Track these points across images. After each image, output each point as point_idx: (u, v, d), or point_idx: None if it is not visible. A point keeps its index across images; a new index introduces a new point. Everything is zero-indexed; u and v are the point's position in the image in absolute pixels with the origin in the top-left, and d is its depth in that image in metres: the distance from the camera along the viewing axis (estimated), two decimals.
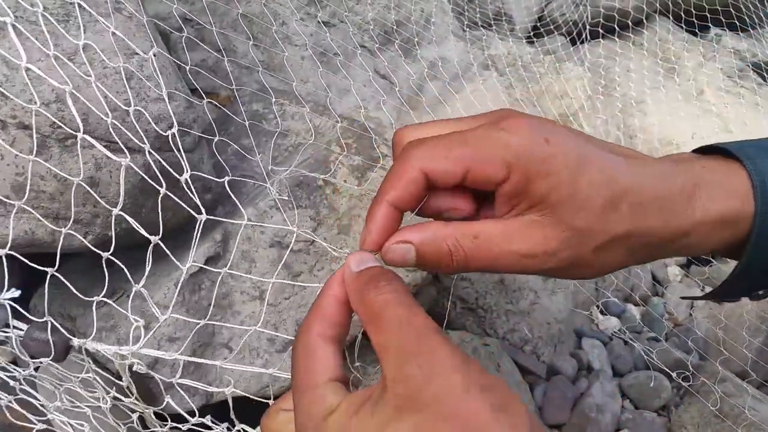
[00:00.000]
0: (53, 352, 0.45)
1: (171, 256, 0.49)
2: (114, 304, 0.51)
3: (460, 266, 0.32)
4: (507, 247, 0.32)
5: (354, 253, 0.32)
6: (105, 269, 0.48)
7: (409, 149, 0.33)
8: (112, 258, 0.47)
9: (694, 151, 0.38)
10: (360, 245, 0.33)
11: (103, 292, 0.47)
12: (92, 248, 0.49)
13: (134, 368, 0.50)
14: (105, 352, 0.48)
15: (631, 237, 0.32)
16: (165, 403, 0.55)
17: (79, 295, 0.47)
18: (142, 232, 0.45)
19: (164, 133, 0.55)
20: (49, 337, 0.45)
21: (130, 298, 0.50)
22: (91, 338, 0.48)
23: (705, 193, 0.34)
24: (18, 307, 0.45)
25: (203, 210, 0.47)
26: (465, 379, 0.23)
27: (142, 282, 0.47)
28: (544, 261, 0.32)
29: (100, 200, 0.52)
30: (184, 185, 0.47)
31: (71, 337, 0.47)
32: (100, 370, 0.54)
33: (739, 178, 0.34)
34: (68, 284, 0.47)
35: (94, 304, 0.47)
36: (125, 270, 0.47)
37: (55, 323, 0.45)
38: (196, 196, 0.47)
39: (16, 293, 0.45)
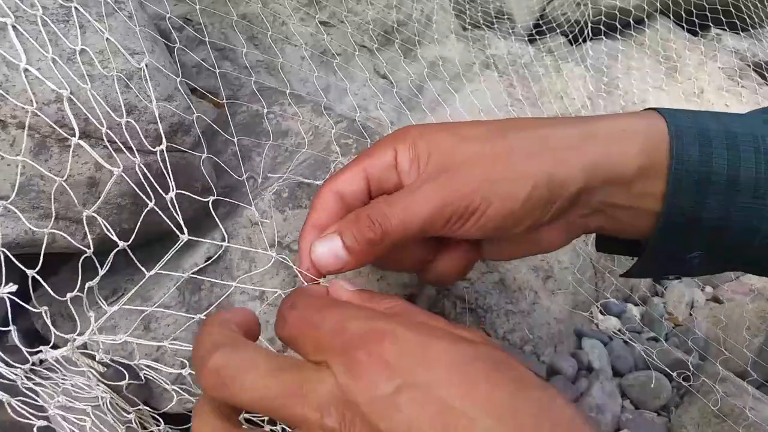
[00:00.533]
0: (29, 360, 0.46)
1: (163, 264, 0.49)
2: (102, 303, 0.51)
3: (387, 234, 0.32)
4: (419, 197, 0.32)
5: (337, 284, 0.33)
6: (79, 269, 0.48)
7: (322, 185, 0.37)
8: (94, 259, 0.47)
9: None
10: (300, 269, 0.34)
11: (75, 289, 0.47)
12: (81, 247, 0.49)
13: (100, 358, 0.50)
14: (65, 354, 0.48)
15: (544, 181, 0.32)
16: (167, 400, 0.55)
17: (55, 296, 0.47)
18: (114, 237, 0.45)
19: (164, 133, 0.55)
20: (18, 344, 0.45)
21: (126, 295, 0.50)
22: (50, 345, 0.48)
23: (609, 118, 0.34)
24: (18, 300, 0.46)
25: (185, 230, 0.47)
26: (346, 335, 0.26)
27: (156, 269, 0.47)
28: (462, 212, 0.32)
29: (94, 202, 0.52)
30: (169, 204, 0.47)
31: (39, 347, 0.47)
32: (96, 367, 0.54)
33: (652, 114, 0.34)
34: (46, 286, 0.47)
35: (84, 300, 0.48)
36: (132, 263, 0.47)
37: (15, 335, 0.45)
38: (180, 216, 0.47)
39: (13, 287, 0.46)
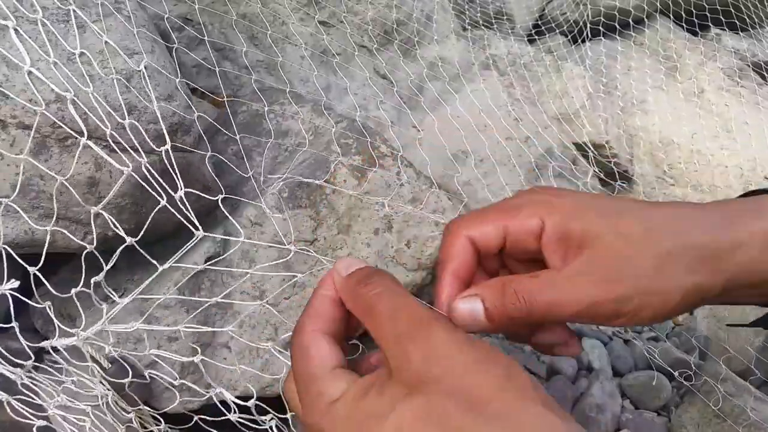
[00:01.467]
0: (32, 356, 0.46)
1: (155, 262, 0.49)
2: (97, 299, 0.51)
3: (530, 315, 0.33)
4: (570, 288, 0.32)
5: (341, 260, 0.33)
6: (83, 265, 0.47)
7: (454, 223, 0.36)
8: (97, 255, 0.47)
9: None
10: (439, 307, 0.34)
11: (81, 286, 0.47)
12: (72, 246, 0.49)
13: (107, 353, 0.50)
14: (74, 343, 0.48)
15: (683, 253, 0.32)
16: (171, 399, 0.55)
17: (54, 292, 0.47)
18: (122, 233, 0.45)
19: (164, 133, 0.55)
20: (22, 340, 0.45)
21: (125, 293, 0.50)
22: (57, 336, 0.48)
23: (749, 214, 0.34)
24: (21, 296, 0.46)
25: (200, 227, 0.47)
26: (465, 357, 0.25)
27: (169, 263, 0.47)
28: (612, 308, 0.32)
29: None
30: (179, 202, 0.46)
31: (44, 338, 0.47)
32: (97, 367, 0.54)
33: None
34: (47, 285, 0.47)
35: (76, 297, 0.47)
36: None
37: (17, 331, 0.45)
38: (192, 213, 0.47)
39: (15, 284, 0.46)
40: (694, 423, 0.95)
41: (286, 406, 0.32)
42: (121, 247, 0.46)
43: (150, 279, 0.48)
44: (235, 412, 0.52)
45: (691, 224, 0.33)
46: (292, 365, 0.30)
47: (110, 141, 0.51)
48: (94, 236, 0.51)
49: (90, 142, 0.45)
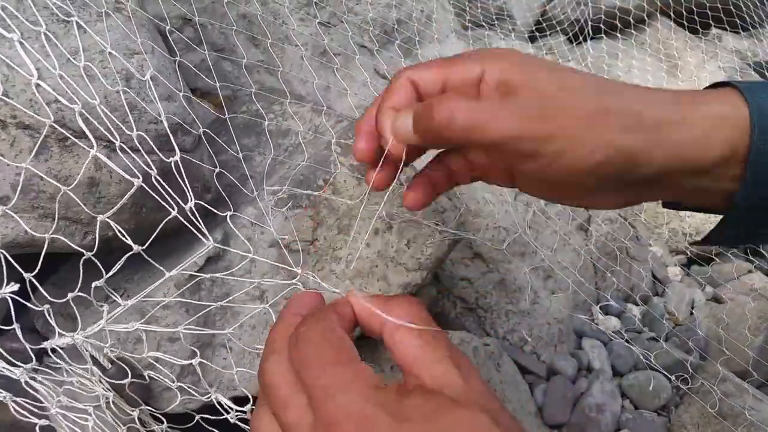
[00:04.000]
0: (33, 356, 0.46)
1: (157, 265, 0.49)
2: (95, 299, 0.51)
3: (448, 126, 0.33)
4: (494, 115, 0.33)
5: (353, 290, 0.34)
6: (80, 270, 0.48)
7: (400, 70, 0.39)
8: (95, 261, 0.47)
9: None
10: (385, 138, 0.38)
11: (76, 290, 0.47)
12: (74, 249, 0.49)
13: (106, 354, 0.50)
14: (74, 341, 0.48)
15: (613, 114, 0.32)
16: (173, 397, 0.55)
17: (49, 297, 0.47)
18: (128, 241, 0.45)
19: (164, 133, 0.55)
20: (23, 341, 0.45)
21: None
22: (57, 336, 0.48)
23: (703, 98, 0.34)
24: (20, 299, 0.46)
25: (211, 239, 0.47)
26: (485, 387, 0.28)
27: (175, 271, 0.47)
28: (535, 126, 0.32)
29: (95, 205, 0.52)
30: (189, 213, 0.47)
31: (44, 339, 0.47)
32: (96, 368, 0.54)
33: (736, 99, 0.33)
34: (42, 290, 0.47)
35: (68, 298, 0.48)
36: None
37: (19, 333, 0.45)
38: (202, 225, 0.47)
39: (15, 287, 0.46)
40: (694, 423, 0.95)
41: (261, 389, 0.30)
42: (127, 255, 0.46)
43: (155, 284, 0.48)
44: (235, 412, 0.53)
45: (639, 94, 0.33)
46: (314, 355, 0.28)
47: (115, 144, 0.51)
48: (97, 237, 0.51)
49: (99, 154, 0.45)
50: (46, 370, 0.52)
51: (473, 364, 0.30)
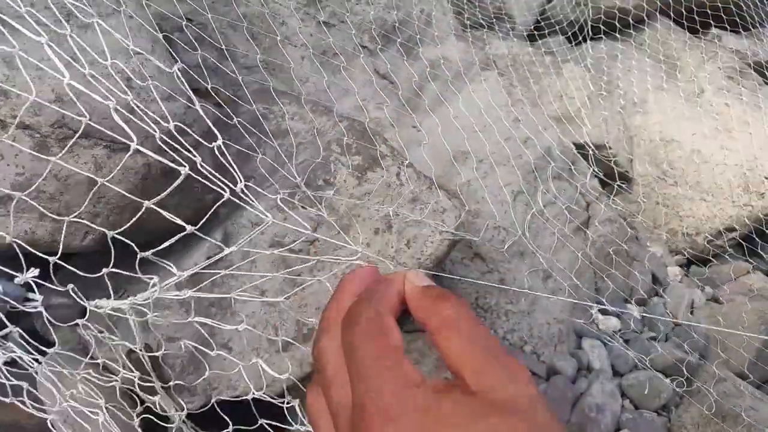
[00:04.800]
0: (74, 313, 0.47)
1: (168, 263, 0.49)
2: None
3: None
4: None
5: (412, 270, 0.33)
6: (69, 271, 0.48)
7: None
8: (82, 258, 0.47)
9: None
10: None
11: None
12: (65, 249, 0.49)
13: (149, 320, 0.51)
14: (121, 306, 0.48)
15: None
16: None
17: (60, 285, 0.47)
18: (180, 222, 0.45)
19: (165, 132, 0.55)
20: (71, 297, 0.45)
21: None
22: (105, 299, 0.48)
23: None
24: (41, 281, 0.47)
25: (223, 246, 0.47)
26: (533, 391, 0.26)
27: (187, 273, 0.47)
28: None
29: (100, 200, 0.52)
30: (240, 193, 0.46)
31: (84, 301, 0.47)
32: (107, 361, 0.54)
33: None
34: (69, 266, 0.47)
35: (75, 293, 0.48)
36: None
37: (73, 289, 0.46)
38: (255, 202, 0.47)
39: (35, 272, 0.47)
40: (694, 423, 0.95)
41: (313, 363, 0.30)
42: (181, 235, 0.46)
43: (175, 278, 0.48)
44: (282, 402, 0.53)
45: None
46: (353, 332, 0.29)
47: (107, 139, 0.50)
48: (95, 236, 0.51)
49: (141, 148, 0.46)
50: (71, 353, 0.52)
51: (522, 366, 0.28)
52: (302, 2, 1.08)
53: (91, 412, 0.49)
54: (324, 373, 0.28)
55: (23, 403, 0.48)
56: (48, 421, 0.49)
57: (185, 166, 0.47)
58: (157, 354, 0.52)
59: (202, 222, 0.47)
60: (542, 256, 1.04)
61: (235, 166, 0.48)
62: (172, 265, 0.48)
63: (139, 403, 0.55)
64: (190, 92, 0.63)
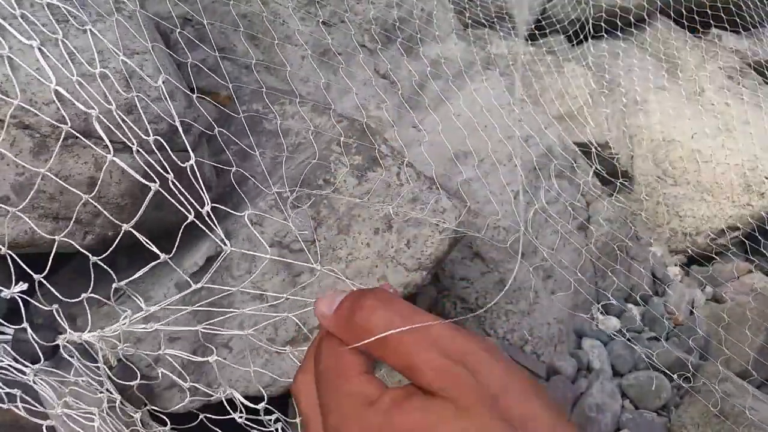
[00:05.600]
0: (41, 353, 0.46)
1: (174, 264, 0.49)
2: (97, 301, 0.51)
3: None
4: None
5: (319, 300, 0.31)
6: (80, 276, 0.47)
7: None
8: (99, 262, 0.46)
9: None
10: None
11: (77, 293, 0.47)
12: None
13: (119, 350, 0.50)
14: (90, 339, 0.48)
15: None
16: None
17: (61, 297, 0.47)
18: (153, 248, 0.45)
19: (163, 132, 0.55)
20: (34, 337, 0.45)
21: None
22: (78, 332, 0.48)
23: None
24: (27, 298, 0.46)
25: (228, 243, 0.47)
26: (520, 386, 0.24)
27: (202, 283, 0.47)
28: None
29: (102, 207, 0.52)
30: (206, 217, 0.46)
31: (58, 333, 0.47)
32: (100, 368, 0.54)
33: None
34: (53, 291, 0.47)
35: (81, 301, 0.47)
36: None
37: (29, 329, 0.45)
38: (218, 227, 0.47)
39: (24, 286, 0.46)
40: (694, 423, 0.95)
41: (294, 404, 0.31)
42: (154, 263, 0.46)
43: (180, 294, 0.48)
44: (241, 412, 0.52)
45: None
46: (318, 361, 0.28)
47: (109, 142, 0.50)
48: (94, 237, 0.51)
49: (117, 159, 0.45)
50: (54, 369, 0.52)
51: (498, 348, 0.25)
52: (302, 2, 1.08)
53: (86, 418, 0.49)
54: (300, 411, 0.29)
55: (18, 408, 0.48)
56: (44, 427, 0.49)
57: (156, 182, 0.47)
58: (132, 383, 0.51)
59: (174, 250, 0.46)
60: (546, 251, 1.04)
61: (203, 189, 0.47)
62: (141, 299, 0.48)
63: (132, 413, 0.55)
64: (189, 91, 0.63)
